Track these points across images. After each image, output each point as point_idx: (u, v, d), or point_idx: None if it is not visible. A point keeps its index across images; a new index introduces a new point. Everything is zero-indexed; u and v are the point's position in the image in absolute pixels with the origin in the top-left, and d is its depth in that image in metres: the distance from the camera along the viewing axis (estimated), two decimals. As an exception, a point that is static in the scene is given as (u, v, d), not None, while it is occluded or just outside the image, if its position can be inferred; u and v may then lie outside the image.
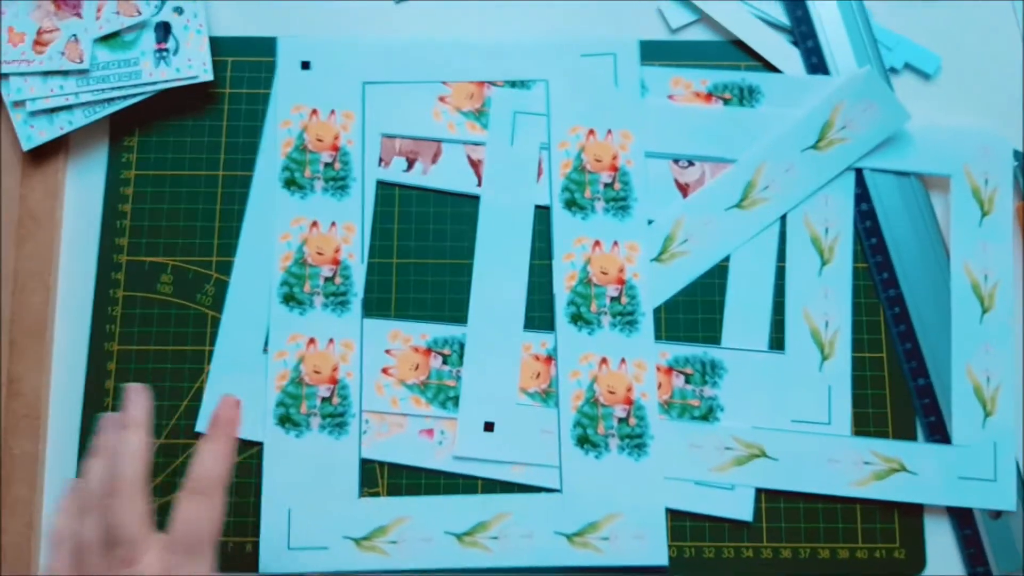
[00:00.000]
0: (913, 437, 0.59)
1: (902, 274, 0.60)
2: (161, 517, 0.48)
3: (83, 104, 0.61)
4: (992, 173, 0.61)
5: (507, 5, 0.64)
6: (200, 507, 0.45)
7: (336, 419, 0.58)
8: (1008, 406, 0.58)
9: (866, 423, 0.59)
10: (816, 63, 0.62)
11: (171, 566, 0.43)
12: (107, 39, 0.61)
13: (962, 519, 0.58)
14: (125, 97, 0.61)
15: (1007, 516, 0.57)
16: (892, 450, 0.58)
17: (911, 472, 0.58)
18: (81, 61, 0.60)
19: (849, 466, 0.58)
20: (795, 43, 0.63)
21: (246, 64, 0.63)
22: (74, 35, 0.61)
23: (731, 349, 0.59)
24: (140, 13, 0.61)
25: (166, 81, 0.61)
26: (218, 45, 0.63)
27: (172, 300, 0.60)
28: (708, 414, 0.59)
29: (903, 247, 0.60)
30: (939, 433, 0.58)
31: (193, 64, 0.61)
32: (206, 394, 0.59)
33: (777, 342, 0.60)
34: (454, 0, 0.64)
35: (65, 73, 0.60)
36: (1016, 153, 0.61)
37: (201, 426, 0.58)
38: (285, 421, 0.58)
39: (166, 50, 0.61)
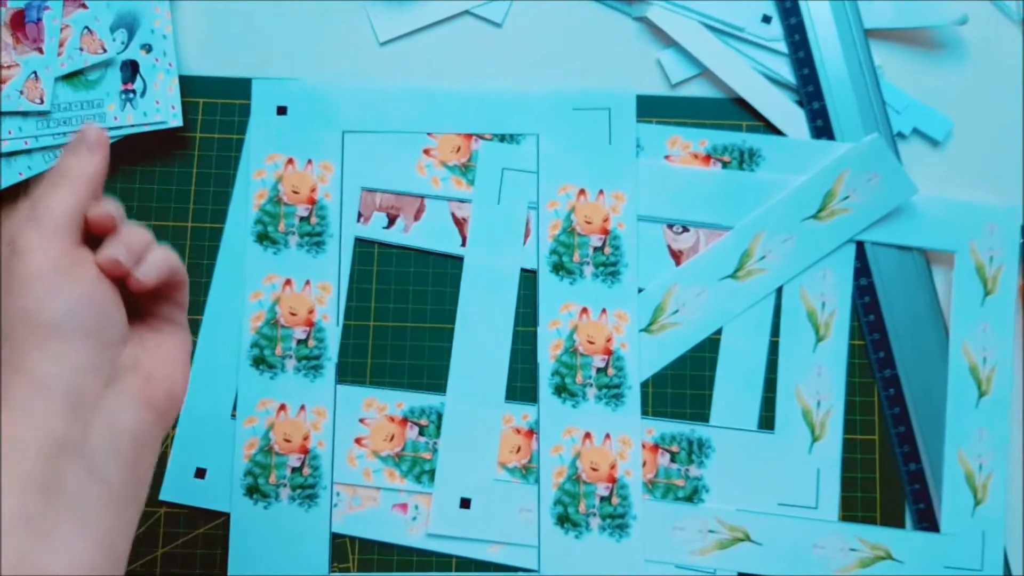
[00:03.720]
0: (901, 523, 0.57)
1: (899, 354, 0.58)
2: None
3: (43, 148, 0.57)
4: (998, 251, 0.58)
5: (498, 52, 0.60)
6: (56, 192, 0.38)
7: (306, 490, 0.56)
8: (999, 494, 0.57)
9: (854, 507, 0.57)
10: (821, 126, 0.59)
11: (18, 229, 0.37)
12: (70, 77, 0.58)
13: (947, 610, 0.56)
14: (89, 141, 0.57)
15: (993, 609, 0.56)
16: (879, 537, 0.56)
17: (897, 560, 0.56)
18: (41, 102, 0.56)
19: (835, 552, 0.56)
20: (800, 103, 0.60)
21: (218, 107, 0.59)
22: (34, 72, 0.57)
23: (719, 427, 0.57)
24: (106, 50, 0.57)
25: (132, 126, 0.57)
26: (189, 85, 0.59)
27: (137, 359, 0.57)
28: (693, 495, 0.57)
29: (901, 325, 0.58)
30: (928, 520, 0.57)
31: (161, 107, 0.57)
32: (171, 462, 0.56)
33: (767, 421, 0.58)
34: (441, 44, 0.60)
35: (24, 114, 0.57)
36: (1023, 230, 0.59)
37: (167, 495, 0.56)
38: (253, 491, 0.56)
39: (132, 91, 0.57)
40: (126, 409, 0.37)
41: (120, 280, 0.38)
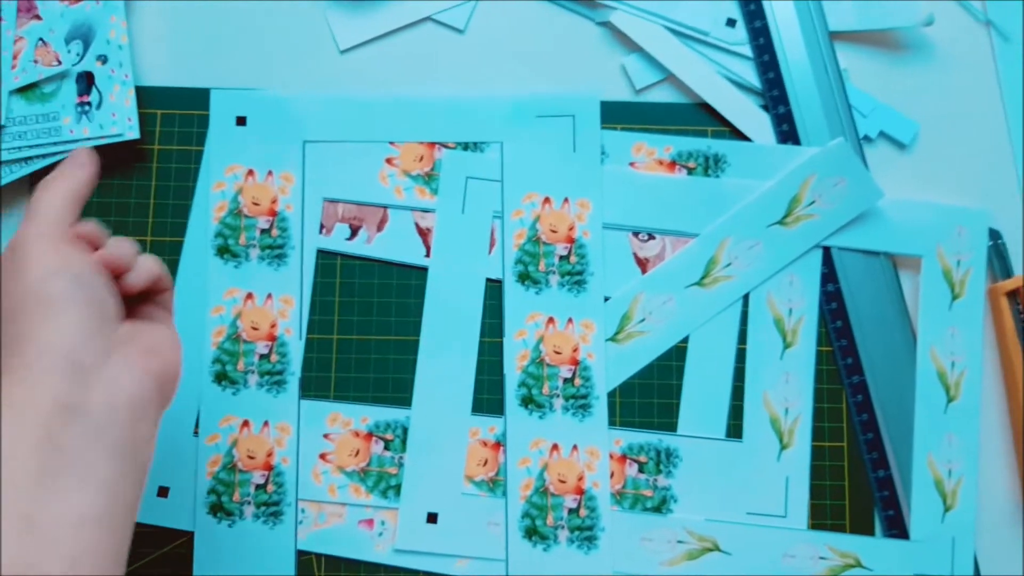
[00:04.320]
0: (871, 531, 0.57)
1: (867, 360, 0.57)
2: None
3: (-3, 163, 0.56)
4: (965, 254, 0.58)
5: (460, 58, 0.60)
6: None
7: (271, 508, 0.55)
8: (969, 500, 0.57)
9: (823, 515, 0.57)
10: (787, 131, 0.59)
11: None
12: (24, 91, 0.56)
13: (917, 616, 0.56)
14: (44, 156, 0.56)
15: (962, 614, 0.56)
16: (848, 545, 0.56)
17: (867, 568, 0.56)
18: (-6, 116, 0.55)
19: (804, 561, 0.56)
20: (765, 108, 0.59)
21: (177, 118, 0.58)
22: (-13, 85, 0.56)
23: (687, 437, 0.57)
24: (60, 62, 0.56)
25: (88, 139, 0.56)
26: (146, 96, 0.58)
27: (96, 377, 0.56)
28: (661, 505, 0.56)
29: (869, 331, 0.58)
30: (897, 527, 0.56)
31: (118, 120, 0.56)
32: (133, 479, 0.55)
33: (735, 429, 0.57)
34: (403, 51, 0.60)
35: (-23, 129, 0.56)
36: (991, 232, 0.58)
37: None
38: (217, 510, 0.55)
39: (88, 104, 0.56)
40: (126, 376, 0.39)
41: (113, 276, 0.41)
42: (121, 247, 0.42)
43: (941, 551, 0.56)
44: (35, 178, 0.57)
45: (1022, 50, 0.61)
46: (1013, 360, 0.57)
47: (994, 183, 0.60)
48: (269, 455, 0.56)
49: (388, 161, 0.58)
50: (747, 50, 0.60)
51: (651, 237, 0.58)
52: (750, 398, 0.57)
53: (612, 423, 0.57)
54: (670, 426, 0.57)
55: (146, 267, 0.43)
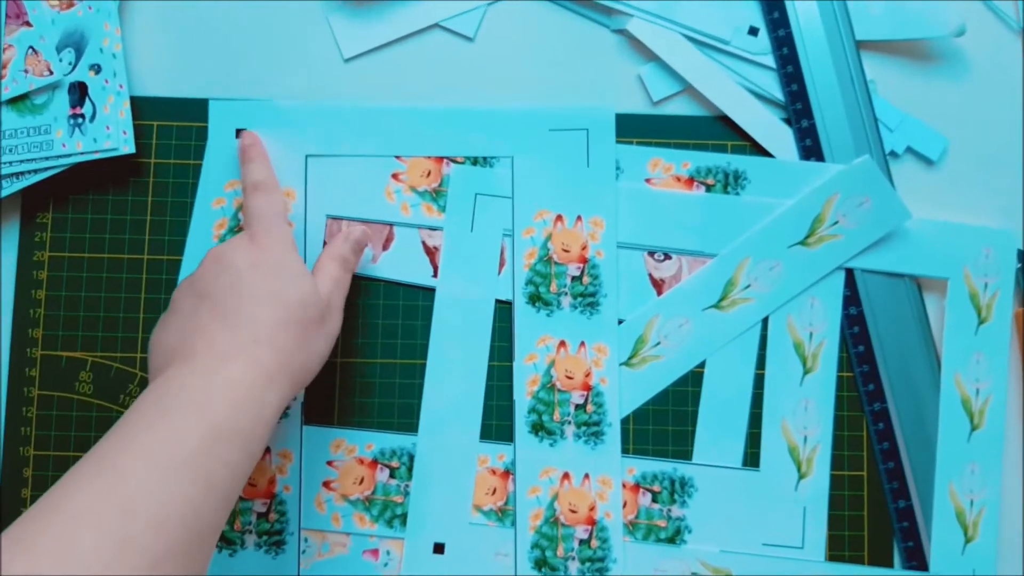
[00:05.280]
0: (890, 562, 0.55)
1: (889, 386, 0.55)
2: None
3: (-13, 179, 0.54)
4: (993, 277, 0.56)
5: (470, 68, 0.57)
6: (264, 197, 0.50)
7: (273, 537, 0.54)
8: (990, 531, 0.55)
9: (841, 547, 0.55)
10: (810, 145, 0.56)
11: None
12: (14, 102, 0.54)
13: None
14: (36, 171, 0.54)
15: (982, 648, 0.55)
16: (867, 577, 0.55)
17: (886, 601, 0.54)
18: (-17, 129, 0.53)
19: (821, 593, 0.54)
20: (788, 121, 0.57)
21: (174, 130, 0.56)
22: (-25, 97, 0.53)
23: (703, 466, 0.55)
24: (52, 72, 0.54)
25: (82, 154, 0.54)
26: (142, 107, 0.56)
27: (92, 401, 0.55)
28: (675, 536, 0.55)
29: (892, 356, 0.56)
30: (917, 559, 0.55)
31: (112, 132, 0.54)
32: (131, 507, 0.54)
33: (752, 458, 0.55)
34: (409, 60, 0.57)
35: (-35, 143, 0.53)
36: (1020, 254, 0.56)
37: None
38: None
39: (82, 116, 0.54)
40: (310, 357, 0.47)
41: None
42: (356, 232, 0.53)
43: (962, 584, 0.55)
44: (27, 194, 0.55)
45: (1056, 60, 0.58)
46: (1040, 387, 0.56)
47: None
48: (271, 483, 0.54)
49: (394, 176, 0.56)
50: (770, 60, 0.57)
51: (667, 257, 0.56)
52: (768, 425, 0.55)
53: (625, 451, 0.55)
54: (685, 454, 0.55)
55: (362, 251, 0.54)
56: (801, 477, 0.55)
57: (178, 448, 0.39)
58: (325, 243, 0.55)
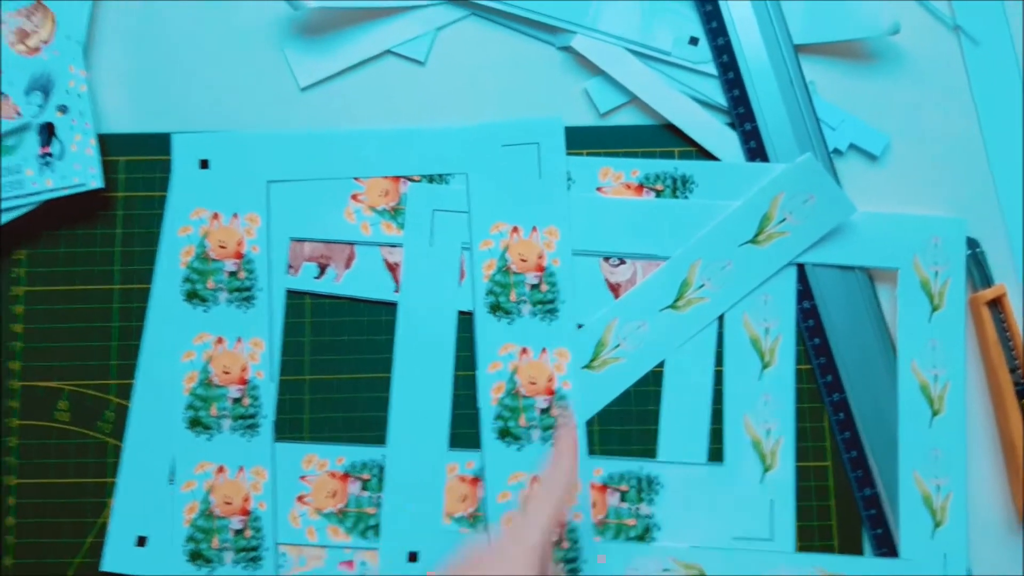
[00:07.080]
0: (860, 550, 0.56)
1: (846, 376, 0.56)
2: None
3: (-39, 220, 0.56)
4: (943, 265, 0.57)
5: (422, 90, 0.59)
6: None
7: (250, 553, 0.55)
8: (959, 515, 0.55)
9: (811, 537, 0.56)
10: (755, 147, 0.58)
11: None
12: (-15, 145, 0.56)
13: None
14: (9, 209, 0.56)
15: (957, 632, 0.55)
16: (838, 566, 0.55)
17: (857, 589, 0.55)
18: (-43, 172, 0.55)
19: (792, 584, 0.55)
20: (732, 125, 0.59)
21: (140, 164, 0.58)
22: (-52, 142, 0.56)
23: (668, 463, 0.56)
24: (21, 114, 0.56)
25: (52, 190, 0.56)
26: (109, 144, 0.58)
27: (70, 429, 0.56)
28: (645, 534, 0.56)
29: (848, 347, 0.57)
30: (887, 546, 0.55)
31: (80, 169, 0.56)
32: (110, 531, 0.55)
33: (716, 453, 0.56)
34: (364, 85, 0.59)
35: (-61, 186, 0.56)
36: (969, 241, 0.57)
37: (108, 566, 0.54)
38: (196, 557, 0.54)
39: (50, 155, 0.56)
40: None
41: None
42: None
43: (933, 568, 0.55)
44: (3, 233, 0.57)
45: (992, 53, 0.60)
46: (998, 370, 0.56)
47: (970, 191, 0.59)
48: (246, 500, 0.55)
49: (353, 197, 0.58)
50: (711, 68, 0.59)
51: (622, 262, 0.58)
52: (730, 421, 0.56)
53: (591, 452, 0.56)
54: (650, 452, 0.56)
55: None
56: (766, 470, 0.56)
57: None
58: (289, 266, 0.57)
